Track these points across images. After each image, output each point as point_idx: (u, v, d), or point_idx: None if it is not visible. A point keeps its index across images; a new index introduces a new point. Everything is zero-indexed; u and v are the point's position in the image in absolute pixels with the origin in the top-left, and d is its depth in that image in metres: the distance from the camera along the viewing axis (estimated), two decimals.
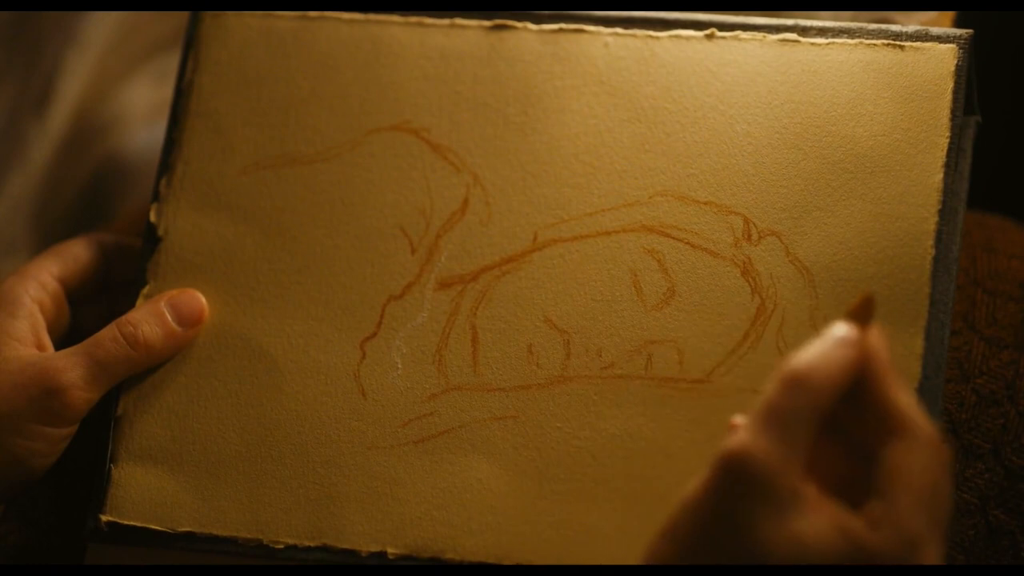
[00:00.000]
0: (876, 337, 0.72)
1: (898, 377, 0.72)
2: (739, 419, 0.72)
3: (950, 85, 0.85)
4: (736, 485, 0.69)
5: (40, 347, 0.89)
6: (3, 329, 0.88)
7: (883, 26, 0.88)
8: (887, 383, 0.71)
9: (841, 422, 0.72)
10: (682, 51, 0.89)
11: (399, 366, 0.87)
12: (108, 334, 0.87)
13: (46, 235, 1.35)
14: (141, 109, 1.37)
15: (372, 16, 0.93)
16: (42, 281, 0.90)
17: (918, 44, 0.87)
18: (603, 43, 0.90)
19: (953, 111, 0.85)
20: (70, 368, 0.86)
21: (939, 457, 0.71)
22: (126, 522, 0.87)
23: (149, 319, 0.88)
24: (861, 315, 0.73)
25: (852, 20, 0.96)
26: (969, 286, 0.92)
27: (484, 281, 0.88)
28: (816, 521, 0.69)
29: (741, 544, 0.68)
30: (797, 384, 0.70)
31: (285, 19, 0.93)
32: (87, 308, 0.93)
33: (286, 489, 0.86)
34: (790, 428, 0.69)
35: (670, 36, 0.89)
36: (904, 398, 0.71)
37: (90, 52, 1.35)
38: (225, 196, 0.91)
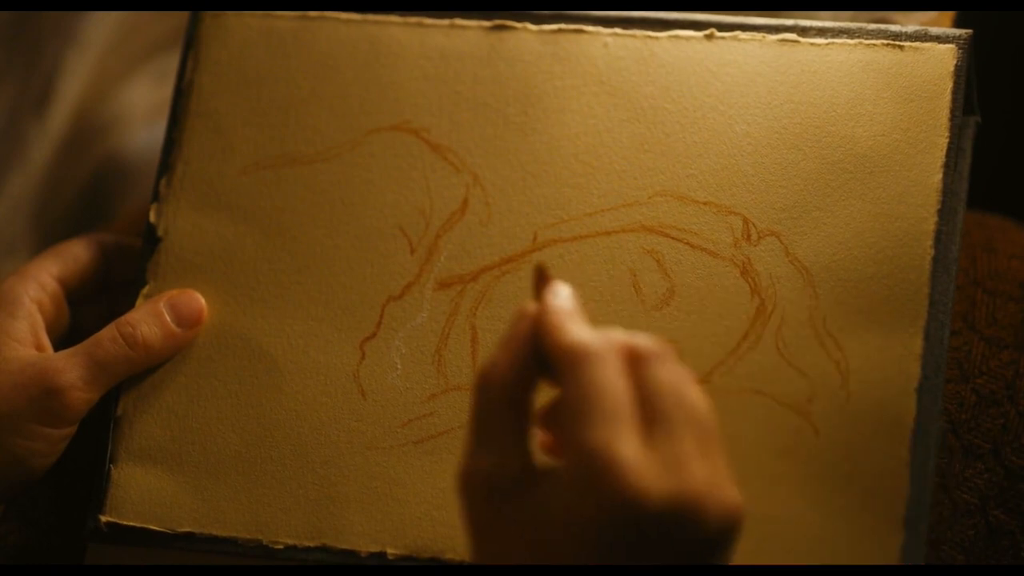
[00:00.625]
0: (550, 295, 0.73)
1: (570, 318, 0.72)
2: None
3: (949, 85, 0.85)
4: (471, 499, 0.71)
5: (39, 347, 0.89)
6: (3, 329, 0.88)
7: (882, 26, 0.88)
8: (554, 330, 0.72)
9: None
10: (681, 51, 0.89)
11: (399, 366, 0.87)
12: (107, 334, 0.87)
13: (46, 235, 1.35)
14: (141, 109, 1.37)
15: (372, 16, 0.93)
16: (42, 281, 0.90)
17: (917, 44, 0.87)
18: (603, 43, 0.90)
19: (952, 111, 0.85)
20: (69, 368, 0.86)
21: (616, 367, 0.70)
22: (126, 522, 0.87)
23: (148, 319, 0.88)
24: (538, 285, 0.74)
25: (851, 20, 0.96)
26: (969, 286, 0.92)
27: (484, 281, 0.88)
28: (543, 487, 0.70)
29: (504, 539, 0.70)
30: (478, 387, 0.72)
31: (285, 19, 0.93)
32: (87, 308, 0.93)
33: (286, 489, 0.86)
34: (487, 427, 0.71)
35: (669, 36, 0.89)
36: (572, 333, 0.71)
37: (90, 52, 1.35)
38: (225, 196, 0.91)
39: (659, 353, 0.71)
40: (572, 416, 0.70)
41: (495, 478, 0.71)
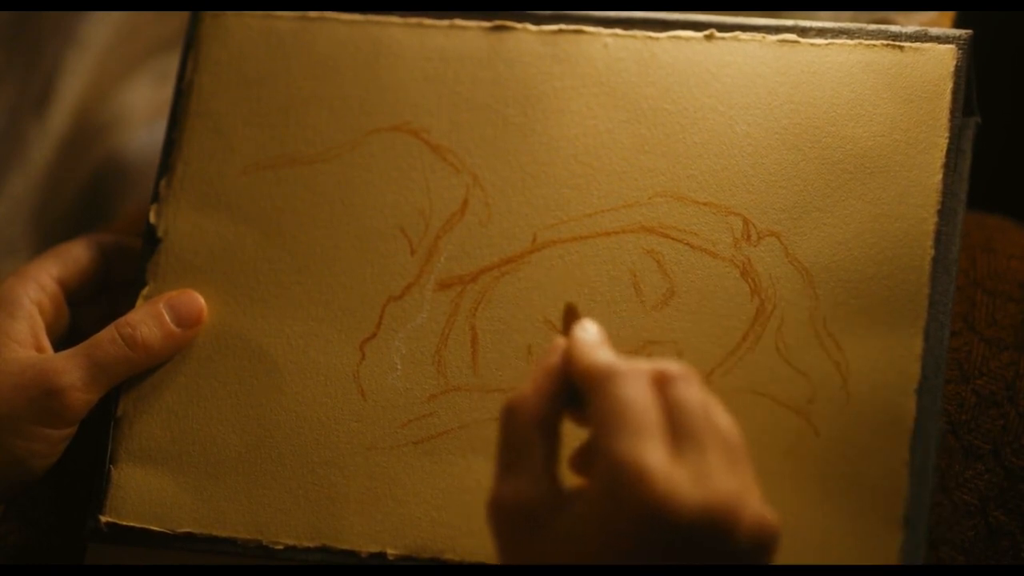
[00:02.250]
0: (579, 328, 0.76)
1: (599, 345, 0.75)
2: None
3: (949, 86, 0.85)
4: (502, 528, 0.73)
5: (39, 348, 0.89)
6: (2, 330, 0.88)
7: (882, 27, 0.88)
8: (582, 355, 0.74)
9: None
10: (681, 52, 0.89)
11: (399, 367, 0.87)
12: (107, 335, 0.87)
13: (46, 235, 1.35)
14: (141, 109, 1.37)
15: (372, 17, 0.93)
16: (41, 283, 0.90)
17: (917, 45, 0.87)
18: (603, 44, 0.90)
19: (952, 112, 0.85)
20: (69, 369, 0.86)
21: (643, 384, 0.72)
22: (126, 523, 0.87)
23: (148, 320, 0.88)
24: (567, 322, 0.78)
25: (851, 20, 0.96)
26: (969, 287, 0.92)
27: (483, 282, 0.88)
28: (572, 509, 0.71)
29: (544, 563, 0.71)
30: (507, 415, 0.74)
31: (285, 19, 0.93)
32: (87, 309, 0.93)
33: (285, 490, 0.86)
34: (516, 456, 0.73)
35: (669, 37, 0.89)
36: (599, 356, 0.74)
37: (90, 52, 1.35)
38: (225, 197, 0.91)
39: (685, 374, 0.73)
40: (601, 430, 0.71)
41: (526, 505, 0.72)
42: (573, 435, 0.76)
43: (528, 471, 0.73)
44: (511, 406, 0.74)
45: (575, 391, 0.75)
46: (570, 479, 0.75)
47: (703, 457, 0.71)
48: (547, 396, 0.74)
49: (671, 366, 0.73)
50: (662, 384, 0.73)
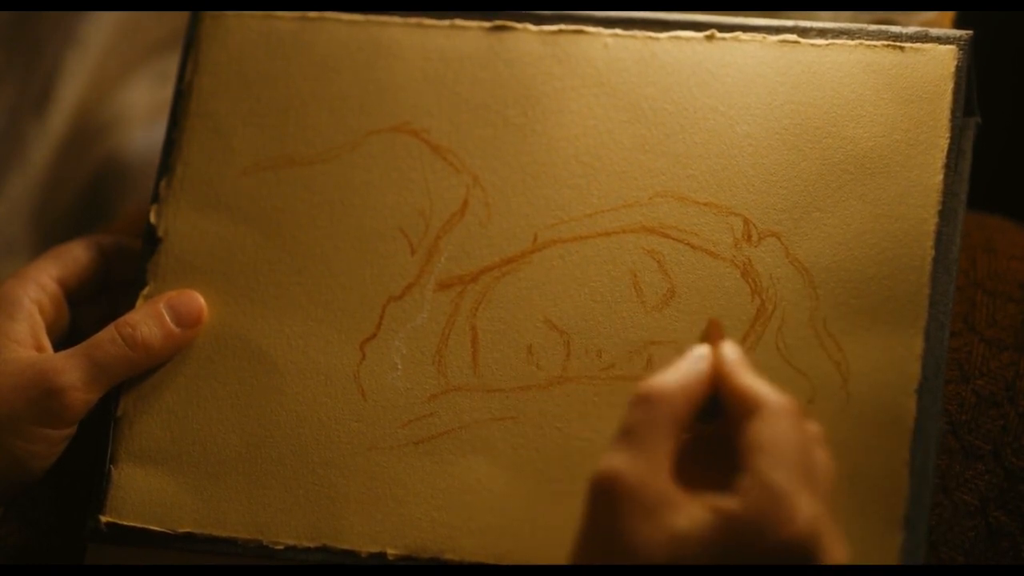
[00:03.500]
0: (727, 347, 0.77)
1: (748, 368, 0.76)
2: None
3: (950, 86, 0.86)
4: (609, 503, 0.73)
5: (39, 349, 0.89)
6: (2, 331, 0.88)
7: (883, 27, 0.88)
8: (735, 374, 0.75)
9: (717, 434, 0.76)
10: (682, 52, 0.89)
11: (399, 367, 0.87)
12: (107, 335, 0.87)
13: (46, 236, 1.35)
14: (141, 109, 1.37)
15: (372, 17, 0.93)
16: (41, 283, 0.90)
17: (918, 45, 0.87)
18: (603, 44, 0.90)
19: (953, 112, 0.85)
20: (69, 369, 0.86)
21: (794, 421, 0.74)
22: (126, 523, 0.87)
23: (148, 320, 0.88)
24: (712, 336, 0.78)
25: (852, 21, 0.96)
26: (969, 287, 0.92)
27: (484, 282, 0.88)
28: (690, 512, 0.72)
29: (627, 552, 0.72)
30: (646, 401, 0.74)
31: (285, 20, 0.93)
32: (87, 309, 0.93)
33: (286, 490, 0.86)
34: (646, 441, 0.73)
35: (670, 37, 0.89)
36: (754, 381, 0.75)
37: (90, 52, 1.35)
38: (225, 197, 0.91)
39: (823, 438, 0.76)
40: (760, 457, 0.72)
41: (639, 490, 0.72)
42: None
43: (653, 459, 0.73)
44: (656, 393, 0.74)
45: (712, 404, 0.76)
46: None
47: (831, 520, 0.73)
48: (692, 399, 0.75)
49: (816, 427, 0.76)
50: (811, 441, 0.75)
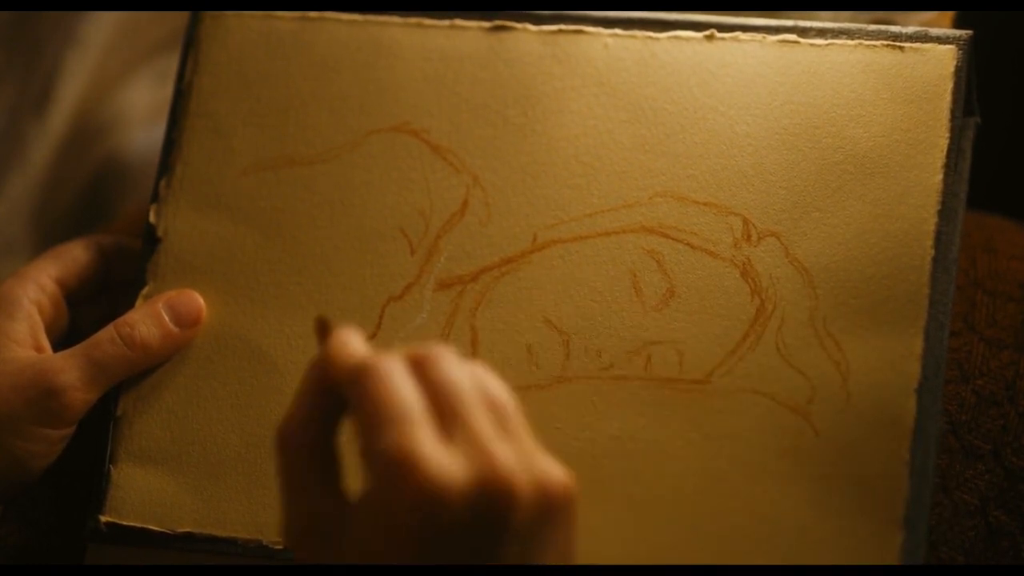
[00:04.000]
0: (331, 340, 0.73)
1: (350, 346, 0.72)
2: None
3: (949, 86, 0.85)
4: (300, 553, 0.72)
5: (38, 349, 0.89)
6: (1, 331, 0.88)
7: (883, 27, 0.88)
8: (331, 365, 0.72)
9: None
10: (682, 52, 0.89)
11: None
12: (106, 335, 0.87)
13: (46, 235, 1.35)
14: (141, 109, 1.37)
15: (372, 17, 0.93)
16: (40, 283, 0.90)
17: (917, 45, 0.87)
18: (603, 44, 0.90)
19: (953, 112, 0.85)
20: (68, 369, 0.87)
21: (383, 373, 0.70)
22: (125, 523, 0.87)
23: (147, 320, 0.88)
24: (319, 337, 0.74)
25: (851, 21, 0.96)
26: (969, 287, 0.92)
27: (484, 282, 0.88)
28: (363, 500, 0.70)
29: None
30: (281, 443, 0.73)
31: (285, 20, 0.93)
32: (87, 309, 0.93)
33: None
34: (294, 485, 0.72)
35: (670, 37, 0.89)
36: (343, 360, 0.72)
37: (90, 52, 1.35)
38: (225, 197, 0.91)
39: (440, 353, 0.72)
40: (364, 429, 0.70)
41: (310, 524, 0.72)
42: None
43: (307, 494, 0.72)
44: (280, 434, 0.73)
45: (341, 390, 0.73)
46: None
47: (472, 432, 0.69)
48: (311, 416, 0.72)
49: (425, 348, 0.72)
50: (421, 368, 0.71)
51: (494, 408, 0.71)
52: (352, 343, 0.73)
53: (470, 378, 0.71)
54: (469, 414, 0.70)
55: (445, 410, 0.70)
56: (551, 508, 0.70)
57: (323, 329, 0.74)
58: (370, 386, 0.70)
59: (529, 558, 0.70)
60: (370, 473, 0.70)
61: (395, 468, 0.68)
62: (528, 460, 0.70)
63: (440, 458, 0.68)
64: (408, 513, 0.68)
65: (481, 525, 0.69)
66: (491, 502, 0.69)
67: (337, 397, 0.73)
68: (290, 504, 0.72)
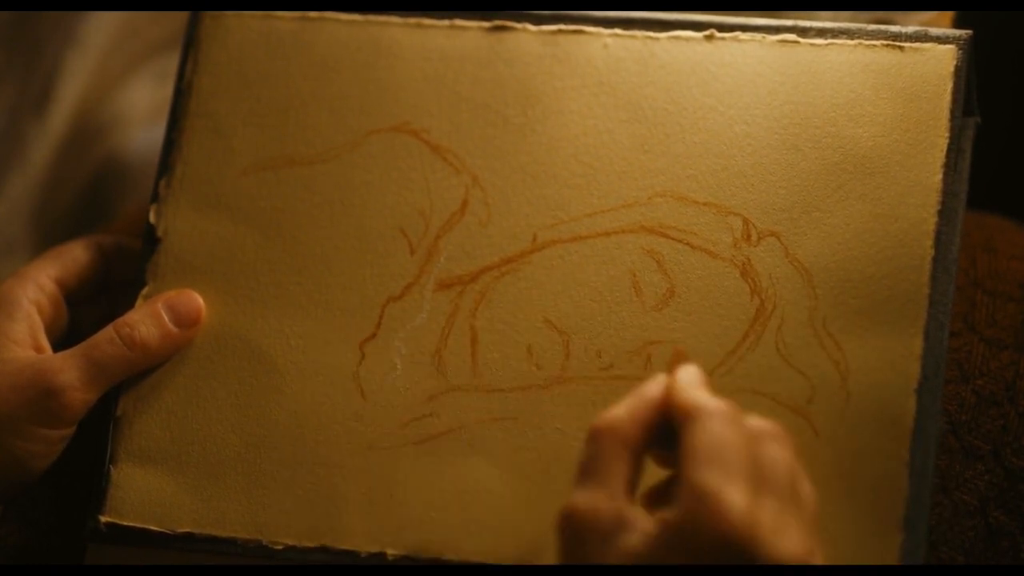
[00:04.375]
0: (683, 371, 0.78)
1: (698, 386, 0.77)
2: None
3: (949, 86, 0.85)
4: (572, 537, 0.74)
5: (38, 349, 0.89)
6: (1, 331, 0.88)
7: (882, 27, 0.88)
8: (680, 392, 0.76)
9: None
10: (682, 52, 0.89)
11: (398, 367, 0.87)
12: (105, 335, 0.88)
13: (46, 235, 1.35)
14: (141, 109, 1.37)
15: (372, 17, 0.93)
16: (40, 283, 0.90)
17: (917, 45, 0.87)
18: (603, 44, 0.90)
19: (952, 112, 0.85)
20: (67, 369, 0.87)
21: (727, 422, 0.74)
22: (125, 523, 0.87)
23: (146, 320, 0.88)
24: (673, 364, 0.79)
25: (851, 20, 0.96)
26: (969, 287, 0.92)
27: (483, 282, 0.88)
28: (642, 528, 0.73)
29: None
30: (597, 435, 0.76)
31: (285, 20, 0.93)
32: (86, 309, 0.93)
33: (285, 490, 0.86)
34: (599, 472, 0.75)
35: (670, 37, 0.89)
36: (696, 394, 0.76)
37: (90, 52, 1.35)
38: (224, 197, 0.91)
39: (779, 434, 0.75)
40: (690, 462, 0.73)
41: (597, 518, 0.74)
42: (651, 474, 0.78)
43: (607, 487, 0.74)
44: (604, 425, 0.76)
45: (666, 431, 0.76)
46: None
47: (782, 513, 0.73)
48: (642, 424, 0.76)
49: (767, 424, 0.75)
50: (756, 438, 0.75)
51: (805, 507, 0.75)
52: (699, 383, 0.77)
53: (795, 469, 0.75)
54: (785, 498, 0.73)
55: (764, 484, 0.73)
56: None
57: (678, 358, 0.80)
58: (710, 426, 0.74)
59: None
60: (679, 501, 0.73)
61: (709, 503, 0.72)
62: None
63: (753, 513, 0.72)
64: (704, 551, 0.71)
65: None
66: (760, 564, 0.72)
67: (664, 424, 0.76)
68: (582, 491, 0.75)
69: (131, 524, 0.87)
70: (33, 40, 1.35)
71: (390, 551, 0.84)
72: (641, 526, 0.73)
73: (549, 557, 0.82)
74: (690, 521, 0.72)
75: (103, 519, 0.87)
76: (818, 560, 0.73)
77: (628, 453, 0.75)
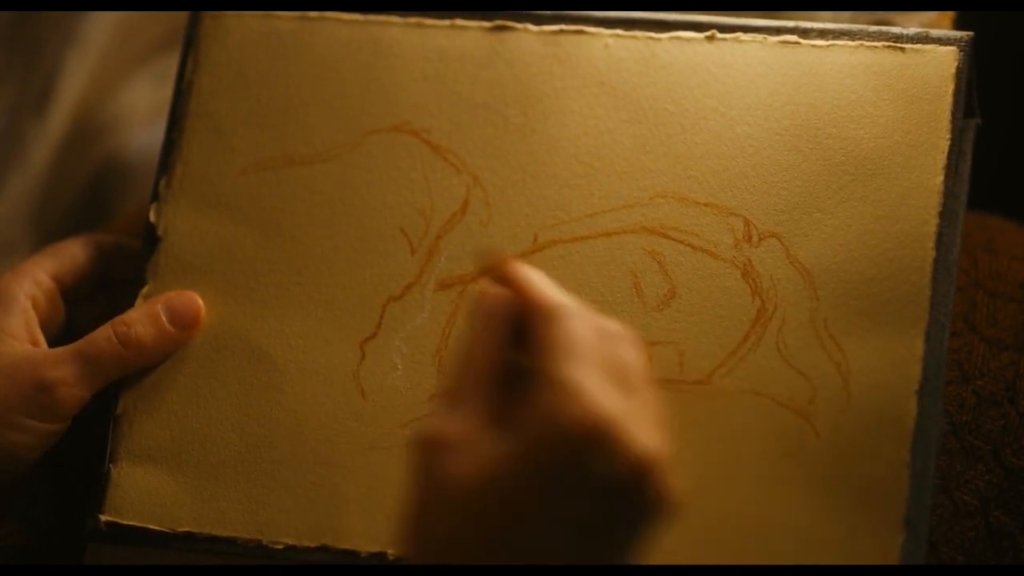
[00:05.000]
0: (525, 271, 0.76)
1: (543, 280, 0.75)
2: None
3: (950, 87, 0.85)
4: (420, 453, 0.72)
5: (34, 343, 0.89)
6: None
7: (883, 28, 0.88)
8: (532, 291, 0.75)
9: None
10: (683, 52, 0.89)
11: (399, 367, 0.87)
12: (102, 333, 0.88)
13: (46, 235, 1.34)
14: (141, 109, 1.37)
15: (372, 17, 0.93)
16: (37, 278, 0.90)
17: (918, 46, 0.87)
18: (604, 44, 0.90)
19: (953, 113, 0.85)
20: (61, 364, 0.87)
21: (584, 321, 0.73)
22: (125, 522, 0.87)
23: (144, 319, 0.88)
24: (486, 269, 0.77)
25: (851, 21, 0.96)
26: (970, 287, 0.92)
27: (484, 282, 0.87)
28: (496, 435, 0.71)
29: (439, 490, 0.71)
30: (463, 362, 0.74)
31: (285, 20, 0.93)
32: (86, 308, 0.93)
33: (285, 489, 0.86)
34: (462, 396, 0.73)
35: (671, 38, 0.89)
36: (548, 292, 0.74)
37: (90, 52, 1.35)
38: (224, 197, 0.91)
39: (635, 337, 0.74)
40: (545, 357, 0.72)
41: (448, 436, 0.72)
42: None
43: (463, 411, 0.72)
44: (470, 353, 0.74)
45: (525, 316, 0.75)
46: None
47: (639, 408, 0.71)
48: (500, 342, 0.74)
49: (621, 327, 0.74)
50: (612, 337, 0.73)
51: (655, 405, 0.73)
52: (552, 284, 0.75)
53: (646, 371, 0.74)
54: (637, 393, 0.72)
55: (620, 381, 0.72)
56: (637, 489, 0.71)
57: (491, 262, 0.77)
58: (567, 324, 0.73)
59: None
60: (539, 394, 0.71)
61: (561, 390, 0.70)
62: (659, 447, 0.72)
63: (601, 394, 0.70)
64: (560, 438, 0.70)
65: (581, 462, 0.70)
66: (597, 443, 0.70)
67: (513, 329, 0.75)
68: (440, 416, 0.73)
69: (131, 523, 0.86)
70: (33, 40, 1.35)
71: (390, 551, 0.84)
72: (494, 434, 0.71)
73: None
74: (549, 413, 0.70)
75: (103, 518, 0.87)
76: (667, 459, 0.71)
77: (490, 376, 0.73)
